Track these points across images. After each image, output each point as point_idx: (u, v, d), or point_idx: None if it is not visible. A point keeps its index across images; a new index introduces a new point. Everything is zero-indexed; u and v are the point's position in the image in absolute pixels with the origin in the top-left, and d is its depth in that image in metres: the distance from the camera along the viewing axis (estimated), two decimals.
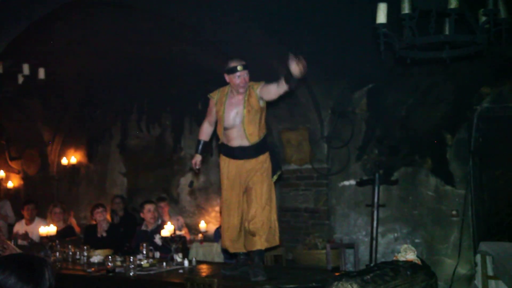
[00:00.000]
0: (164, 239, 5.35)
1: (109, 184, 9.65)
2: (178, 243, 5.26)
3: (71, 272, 5.14)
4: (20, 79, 6.58)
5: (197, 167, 4.72)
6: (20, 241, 6.72)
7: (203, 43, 7.00)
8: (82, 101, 9.56)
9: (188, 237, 6.68)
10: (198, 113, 7.83)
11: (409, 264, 3.74)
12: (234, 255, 4.83)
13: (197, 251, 6.36)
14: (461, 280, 6.38)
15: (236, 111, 4.40)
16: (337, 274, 3.97)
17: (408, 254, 3.86)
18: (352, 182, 7.14)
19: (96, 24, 6.88)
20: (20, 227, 7.39)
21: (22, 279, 1.87)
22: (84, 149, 9.96)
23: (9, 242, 5.36)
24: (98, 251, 5.67)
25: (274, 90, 4.27)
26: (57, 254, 5.60)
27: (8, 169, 10.49)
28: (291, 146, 7.47)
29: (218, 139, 4.65)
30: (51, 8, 5.64)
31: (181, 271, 4.80)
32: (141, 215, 6.34)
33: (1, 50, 5.59)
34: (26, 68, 6.52)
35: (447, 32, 4.05)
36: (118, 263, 4.97)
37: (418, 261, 3.85)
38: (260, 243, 4.41)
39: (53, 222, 6.87)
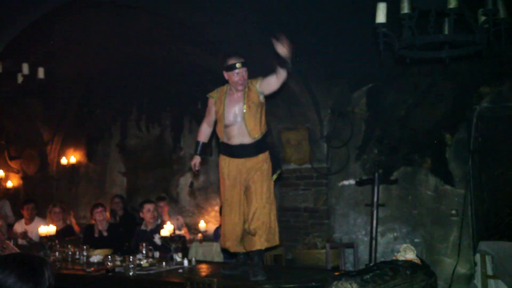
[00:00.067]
0: (163, 238, 5.34)
1: (108, 183, 9.65)
2: (177, 243, 5.26)
3: (71, 271, 5.13)
4: (20, 79, 6.58)
5: (197, 168, 4.72)
6: (20, 241, 6.72)
7: (203, 43, 7.00)
8: (82, 100, 9.56)
9: (187, 236, 6.67)
10: (198, 113, 7.84)
11: (408, 263, 3.74)
12: (234, 255, 4.83)
13: (197, 251, 6.35)
14: (461, 279, 6.38)
15: (237, 107, 4.41)
16: (336, 273, 3.97)
17: (408, 254, 3.86)
18: (352, 181, 7.14)
19: (96, 24, 6.88)
20: (19, 227, 7.39)
21: (22, 278, 1.87)
22: (83, 148, 9.97)
23: (8, 242, 5.36)
24: (98, 251, 5.67)
25: (274, 81, 4.32)
26: (57, 253, 5.59)
27: (7, 169, 10.49)
28: (290, 145, 7.47)
29: (217, 138, 4.65)
30: (50, 7, 5.64)
31: (180, 270, 4.79)
32: (141, 214, 6.34)
33: (1, 50, 5.59)
34: (25, 68, 6.52)
35: (446, 32, 4.05)
36: (118, 263, 4.97)
37: (418, 261, 3.85)
38: (260, 243, 4.41)
39: (53, 221, 6.87)
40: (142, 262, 5.00)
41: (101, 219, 6.59)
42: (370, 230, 6.11)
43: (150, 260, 5.17)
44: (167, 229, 5.30)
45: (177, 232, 5.36)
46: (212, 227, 7.67)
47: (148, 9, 6.33)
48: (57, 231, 6.11)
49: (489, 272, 5.90)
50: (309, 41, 6.35)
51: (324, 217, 7.30)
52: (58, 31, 6.90)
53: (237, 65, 4.35)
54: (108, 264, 4.81)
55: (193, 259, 5.11)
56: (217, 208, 7.95)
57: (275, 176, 4.55)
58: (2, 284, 1.85)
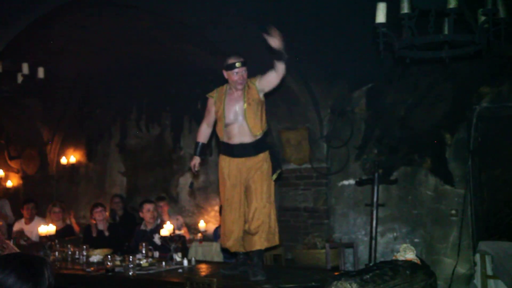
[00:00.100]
0: (163, 238, 5.34)
1: (108, 183, 9.65)
2: (177, 243, 5.26)
3: (70, 271, 5.13)
4: (20, 79, 6.59)
5: (196, 169, 4.72)
6: (21, 241, 6.72)
7: (203, 43, 7.00)
8: (82, 100, 9.57)
9: (187, 236, 6.68)
10: (198, 113, 7.83)
11: (408, 263, 3.74)
12: (234, 255, 4.83)
13: (197, 251, 6.35)
14: (460, 279, 6.38)
15: (237, 106, 4.43)
16: (336, 273, 3.97)
17: (408, 254, 3.86)
18: (352, 181, 7.14)
19: (96, 23, 6.88)
20: (19, 227, 7.39)
21: (22, 278, 1.87)
22: (83, 148, 9.97)
23: (8, 242, 5.36)
24: (97, 251, 5.67)
25: (274, 76, 4.35)
26: (56, 253, 5.59)
27: (7, 169, 10.49)
28: (290, 145, 7.48)
29: (217, 138, 4.65)
30: (50, 7, 5.64)
31: (180, 270, 4.79)
32: (141, 214, 6.34)
33: (0, 49, 5.59)
34: (25, 68, 6.52)
35: (446, 32, 4.05)
36: (117, 263, 4.97)
37: (418, 261, 3.86)
38: (260, 243, 4.41)
39: (52, 221, 6.87)
40: (141, 262, 5.00)
41: (101, 219, 6.60)
42: (370, 230, 6.11)
43: (150, 260, 5.17)
44: (167, 229, 5.30)
45: (177, 232, 5.36)
46: (211, 227, 7.67)
47: (148, 9, 6.33)
48: (56, 231, 6.11)
49: (489, 272, 5.90)
50: (309, 41, 6.36)
51: (324, 217, 7.30)
52: (58, 31, 6.90)
53: (237, 64, 4.37)
54: (107, 264, 4.81)
55: (193, 259, 5.11)
56: (216, 208, 7.95)
57: (275, 176, 4.55)
58: (2, 283, 1.85)
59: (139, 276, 4.60)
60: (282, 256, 6.35)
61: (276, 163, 4.60)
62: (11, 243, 5.29)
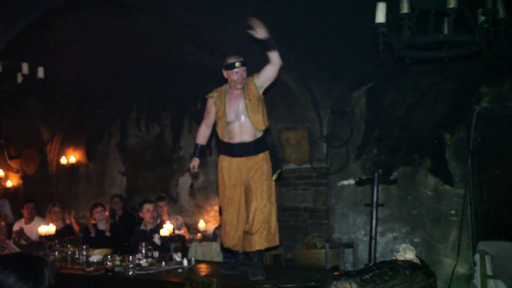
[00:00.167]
0: (163, 238, 5.34)
1: (108, 183, 9.65)
2: (177, 243, 5.26)
3: (70, 271, 5.13)
4: (19, 78, 6.58)
5: (195, 170, 4.71)
6: (21, 241, 6.72)
7: (203, 43, 7.00)
8: (81, 100, 9.56)
9: (187, 236, 6.67)
10: (197, 113, 7.82)
11: (408, 263, 3.74)
12: (234, 255, 4.83)
13: (196, 251, 6.35)
14: (460, 279, 6.39)
15: (238, 104, 4.43)
16: (336, 273, 3.97)
17: (407, 254, 3.86)
18: (351, 181, 7.14)
19: (96, 23, 6.88)
20: (19, 226, 7.39)
21: (22, 278, 1.87)
22: (83, 148, 9.97)
23: (8, 241, 5.36)
24: (97, 251, 5.67)
25: (270, 68, 4.40)
26: (56, 253, 5.59)
27: (7, 168, 10.49)
28: (290, 145, 7.48)
29: (217, 138, 4.65)
30: (50, 7, 5.64)
31: (180, 270, 4.79)
32: (140, 214, 6.34)
33: (0, 49, 5.59)
34: (25, 67, 6.51)
35: (446, 32, 4.05)
36: (117, 263, 4.97)
37: (417, 261, 3.86)
38: (259, 243, 4.40)
39: (52, 221, 6.87)
40: (141, 262, 5.00)
41: (101, 219, 6.60)
42: (370, 230, 6.10)
43: (150, 260, 5.17)
44: (167, 229, 5.30)
45: (177, 231, 5.36)
46: (211, 227, 7.67)
47: (148, 9, 6.33)
48: (56, 231, 6.11)
49: (489, 272, 5.90)
50: (309, 41, 6.35)
51: (323, 217, 7.31)
52: (57, 31, 6.90)
53: (237, 64, 4.39)
54: (107, 264, 4.81)
55: (193, 258, 5.11)
56: (216, 208, 7.95)
57: (275, 176, 4.55)
58: (2, 283, 1.85)
59: (138, 276, 4.60)
60: (281, 256, 6.36)
61: (276, 163, 4.60)
62: (11, 243, 5.30)
